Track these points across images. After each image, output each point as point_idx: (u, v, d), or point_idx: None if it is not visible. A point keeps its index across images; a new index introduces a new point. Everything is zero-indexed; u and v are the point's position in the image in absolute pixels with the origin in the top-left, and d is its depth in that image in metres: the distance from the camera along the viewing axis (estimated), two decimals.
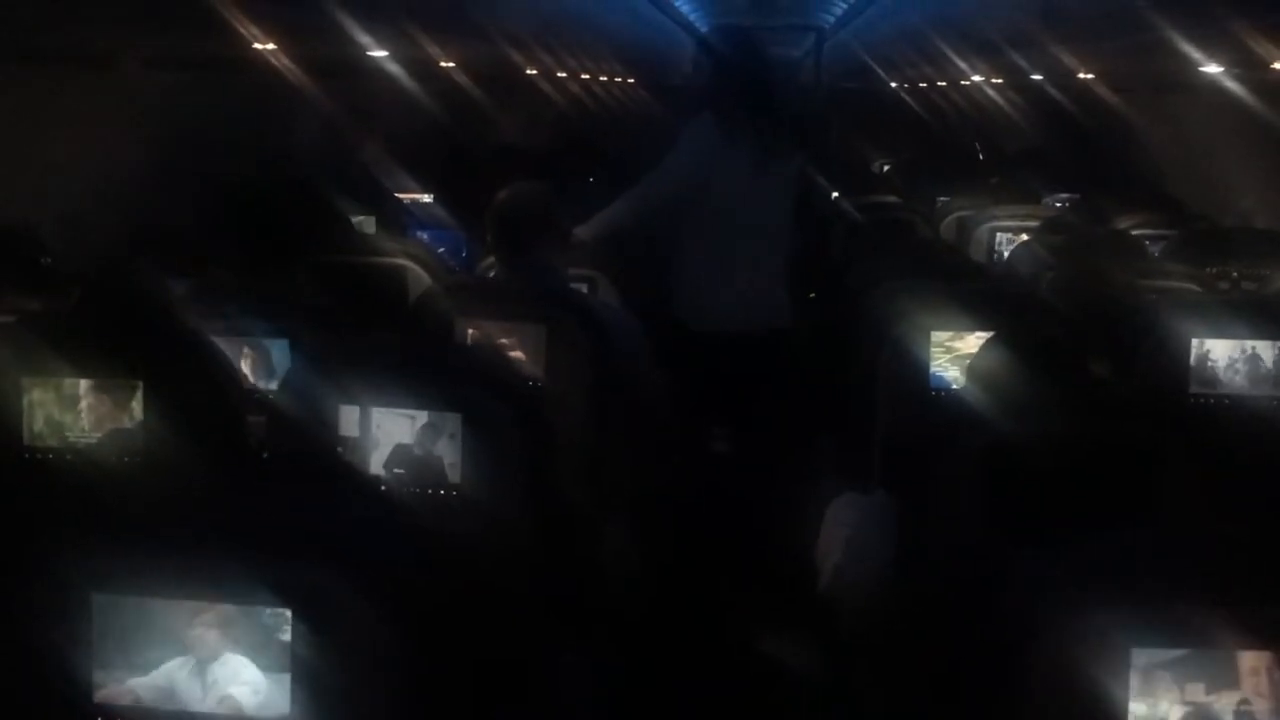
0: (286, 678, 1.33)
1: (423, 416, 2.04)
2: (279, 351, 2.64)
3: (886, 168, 9.33)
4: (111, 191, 3.94)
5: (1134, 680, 1.26)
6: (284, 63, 4.19)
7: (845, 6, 12.19)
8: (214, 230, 3.86)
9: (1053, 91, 6.40)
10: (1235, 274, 3.75)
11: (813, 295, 5.62)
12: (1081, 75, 5.81)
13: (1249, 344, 2.74)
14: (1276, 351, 2.74)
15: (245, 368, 2.65)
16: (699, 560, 3.75)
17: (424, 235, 4.35)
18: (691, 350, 3.78)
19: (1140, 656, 1.26)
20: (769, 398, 3.87)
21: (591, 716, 2.25)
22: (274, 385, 2.41)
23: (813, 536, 2.70)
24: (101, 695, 1.33)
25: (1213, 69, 4.38)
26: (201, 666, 1.33)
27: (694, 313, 3.82)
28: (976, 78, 8.23)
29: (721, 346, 3.77)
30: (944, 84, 9.90)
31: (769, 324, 3.84)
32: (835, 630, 2.59)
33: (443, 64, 5.81)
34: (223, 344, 2.63)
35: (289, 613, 1.32)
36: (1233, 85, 4.39)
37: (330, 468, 1.87)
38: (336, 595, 1.35)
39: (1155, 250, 4.60)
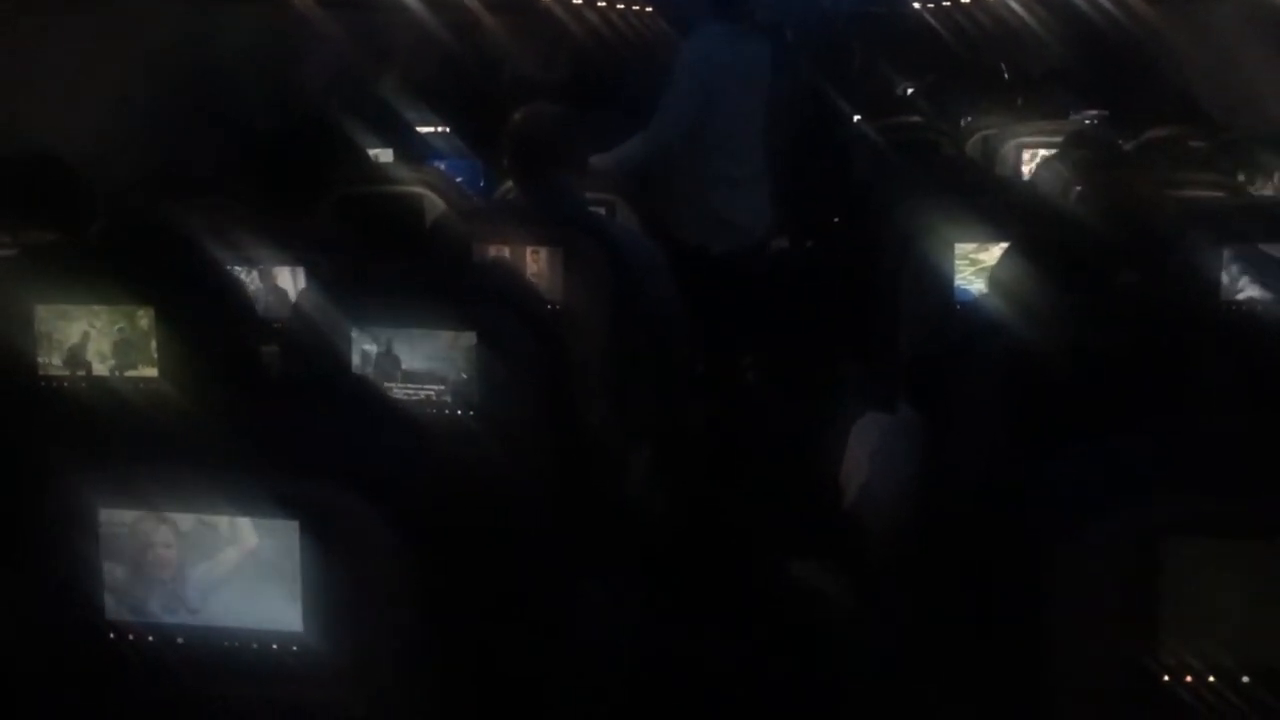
0: (298, 595, 1.32)
1: (437, 337, 2.02)
2: (298, 279, 2.62)
3: (910, 90, 9.19)
4: (122, 129, 3.90)
5: (1169, 574, 1.24)
6: None
7: None
8: (231, 171, 3.83)
9: (1080, 3, 6.23)
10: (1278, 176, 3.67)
11: (836, 220, 5.57)
12: None
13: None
14: None
15: (266, 297, 2.63)
16: (723, 485, 3.74)
17: (441, 165, 4.31)
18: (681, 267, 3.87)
19: (1174, 550, 1.24)
20: (778, 317, 3.95)
21: (610, 643, 2.24)
22: None
23: (838, 458, 2.68)
24: (113, 611, 1.33)
25: None
26: (212, 582, 1.32)
27: (678, 229, 3.97)
28: None
29: (704, 261, 3.91)
30: (968, 1, 9.70)
31: (749, 238, 4.05)
32: (862, 550, 2.57)
33: None
34: (242, 273, 2.62)
35: (298, 526, 1.30)
36: None
37: (343, 388, 1.85)
38: (347, 510, 1.33)
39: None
